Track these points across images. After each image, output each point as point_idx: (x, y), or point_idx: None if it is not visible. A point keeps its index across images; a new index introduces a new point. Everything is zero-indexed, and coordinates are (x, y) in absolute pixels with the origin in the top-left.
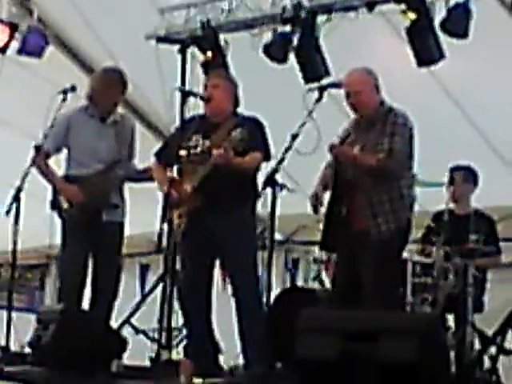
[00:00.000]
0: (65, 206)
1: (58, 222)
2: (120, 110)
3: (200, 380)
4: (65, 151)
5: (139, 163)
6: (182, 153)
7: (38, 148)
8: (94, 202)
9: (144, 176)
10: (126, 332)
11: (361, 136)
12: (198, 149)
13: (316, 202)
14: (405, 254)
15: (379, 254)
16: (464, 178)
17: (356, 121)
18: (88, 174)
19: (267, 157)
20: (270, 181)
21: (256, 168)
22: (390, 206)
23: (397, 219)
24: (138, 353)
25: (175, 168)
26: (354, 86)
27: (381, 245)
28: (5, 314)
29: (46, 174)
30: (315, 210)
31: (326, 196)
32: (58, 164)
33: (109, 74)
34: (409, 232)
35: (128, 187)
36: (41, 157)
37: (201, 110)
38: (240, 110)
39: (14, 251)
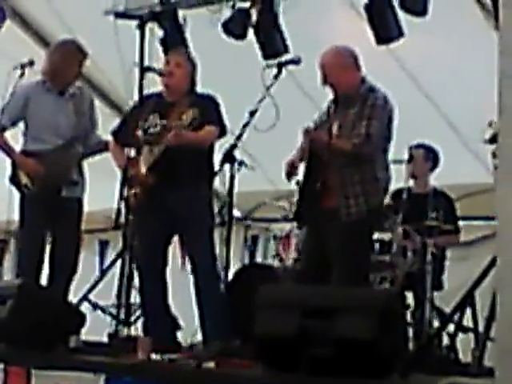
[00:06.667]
0: (24, 180)
1: (16, 197)
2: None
3: (158, 356)
4: (21, 126)
5: None
6: (139, 133)
7: None
8: (54, 178)
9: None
10: (85, 308)
11: (339, 114)
12: (155, 129)
13: (290, 169)
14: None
15: (348, 234)
16: (424, 155)
17: (334, 99)
18: (47, 150)
19: (222, 132)
20: (228, 157)
21: (211, 143)
22: (361, 187)
23: (367, 202)
24: (96, 328)
25: (133, 148)
26: (331, 67)
27: (349, 226)
28: None
29: (3, 147)
30: (288, 177)
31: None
32: (15, 139)
33: (66, 46)
34: (380, 214)
35: (87, 163)
36: None
37: (159, 88)
38: (198, 86)
39: None
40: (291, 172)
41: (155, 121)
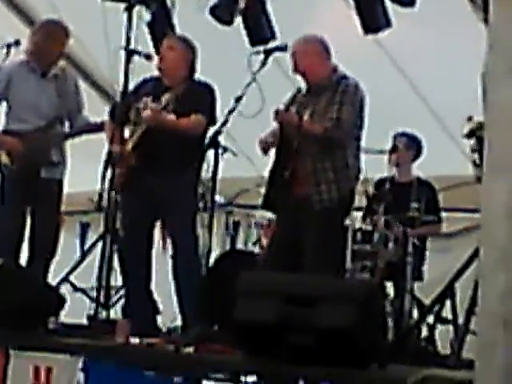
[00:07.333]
0: (4, 160)
1: None
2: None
3: (137, 340)
4: (3, 105)
5: None
6: (131, 114)
7: None
8: (33, 158)
9: (96, 128)
10: (65, 290)
11: (311, 102)
12: (146, 111)
13: (265, 145)
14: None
15: (320, 221)
16: (406, 144)
17: (306, 87)
18: (28, 130)
19: (211, 121)
20: (213, 143)
21: (200, 131)
22: (333, 174)
23: (339, 189)
24: (75, 311)
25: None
26: (302, 55)
27: (322, 213)
28: None
29: None
30: (265, 152)
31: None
32: None
33: (49, 26)
34: (351, 202)
35: (70, 145)
36: None
37: (155, 72)
38: None
39: None
40: (265, 148)
41: (146, 103)
